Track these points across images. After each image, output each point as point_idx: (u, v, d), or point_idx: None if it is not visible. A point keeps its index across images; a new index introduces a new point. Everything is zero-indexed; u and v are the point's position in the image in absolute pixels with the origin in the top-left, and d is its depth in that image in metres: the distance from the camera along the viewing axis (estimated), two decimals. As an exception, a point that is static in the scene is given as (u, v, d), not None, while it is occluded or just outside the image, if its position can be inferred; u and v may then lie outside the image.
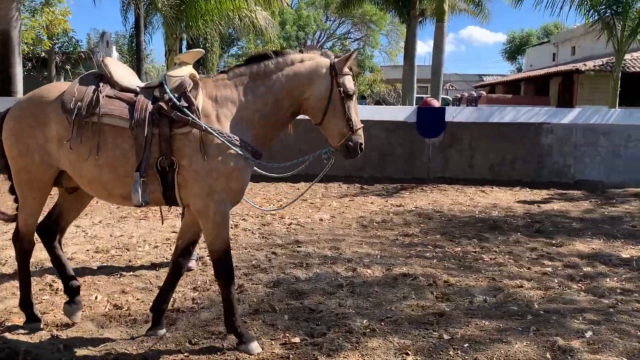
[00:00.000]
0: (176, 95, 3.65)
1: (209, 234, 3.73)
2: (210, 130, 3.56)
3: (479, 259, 6.13)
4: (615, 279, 5.53)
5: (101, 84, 3.73)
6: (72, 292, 4.18)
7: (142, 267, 5.65)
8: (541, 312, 4.50)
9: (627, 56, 21.09)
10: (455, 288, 5.11)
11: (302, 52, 3.85)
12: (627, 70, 21.52)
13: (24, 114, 3.80)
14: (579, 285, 5.33)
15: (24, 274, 4.05)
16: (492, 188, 10.99)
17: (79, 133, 3.60)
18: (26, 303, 4.06)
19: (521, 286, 5.21)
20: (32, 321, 4.05)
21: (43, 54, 24.28)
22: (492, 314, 4.46)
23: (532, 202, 9.67)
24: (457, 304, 4.70)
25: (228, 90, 3.75)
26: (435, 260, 6.05)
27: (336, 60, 3.76)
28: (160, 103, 3.62)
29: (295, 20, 48.00)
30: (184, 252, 4.03)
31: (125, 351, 3.71)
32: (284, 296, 4.83)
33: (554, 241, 6.98)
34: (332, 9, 41.74)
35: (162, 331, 3.99)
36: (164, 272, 5.40)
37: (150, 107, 3.61)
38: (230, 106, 3.71)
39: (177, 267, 4.04)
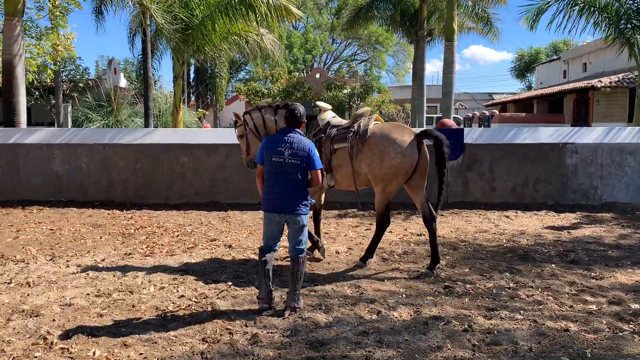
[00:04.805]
0: None
1: None
2: None
3: (515, 297, 5.58)
4: (670, 317, 4.97)
5: None
6: None
7: (146, 312, 5.15)
8: (597, 363, 3.95)
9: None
10: (494, 333, 4.57)
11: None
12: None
13: None
14: (631, 326, 4.77)
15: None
16: (517, 213, 10.41)
17: None
18: None
19: (567, 329, 4.66)
20: None
21: (50, 83, 24.14)
22: (542, 366, 3.91)
23: (561, 228, 9.09)
24: (500, 354, 4.16)
25: None
26: (467, 299, 5.51)
27: None
28: None
29: (302, 44, 47.97)
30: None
31: None
32: (303, 347, 4.30)
33: (592, 273, 6.42)
34: (338, 30, 41.65)
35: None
36: (169, 319, 4.92)
37: None
38: None
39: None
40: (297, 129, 5.27)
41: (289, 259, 5.27)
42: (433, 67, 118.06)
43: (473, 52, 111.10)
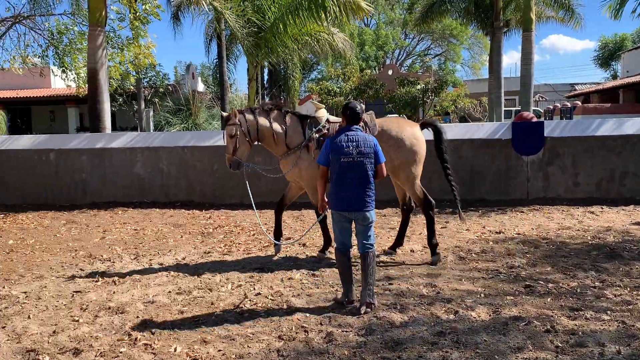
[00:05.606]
0: None
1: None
2: None
3: (601, 296, 5.30)
4: None
5: None
6: None
7: (224, 309, 5.28)
8: (694, 368, 3.68)
9: None
10: (579, 334, 4.35)
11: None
12: None
13: None
14: None
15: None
16: (602, 208, 9.90)
17: None
18: None
19: (660, 331, 4.37)
20: None
21: (132, 89, 25.26)
22: (632, 370, 3.69)
23: (651, 224, 8.58)
24: (585, 357, 3.96)
25: None
26: (549, 299, 5.29)
27: None
28: None
29: (374, 40, 47.73)
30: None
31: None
32: (379, 347, 4.27)
33: (688, 272, 6.01)
34: (410, 26, 41.11)
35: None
36: (246, 317, 5.02)
37: None
38: None
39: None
40: (357, 126, 5.31)
41: (359, 256, 5.27)
42: (510, 59, 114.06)
43: (552, 41, 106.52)
